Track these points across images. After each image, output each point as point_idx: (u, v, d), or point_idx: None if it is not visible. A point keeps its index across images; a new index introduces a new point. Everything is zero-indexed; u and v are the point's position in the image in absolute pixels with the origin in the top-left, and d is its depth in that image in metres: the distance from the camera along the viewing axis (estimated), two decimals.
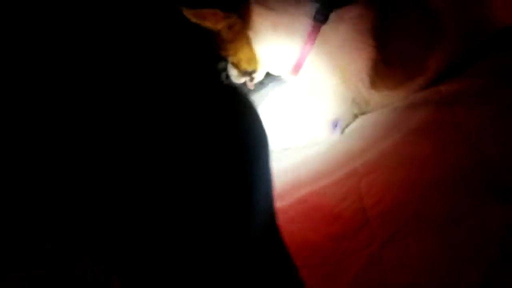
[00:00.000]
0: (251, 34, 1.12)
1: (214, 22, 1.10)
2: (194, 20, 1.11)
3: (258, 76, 1.24)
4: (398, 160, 0.88)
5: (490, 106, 0.90)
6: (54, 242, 0.49)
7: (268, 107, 1.27)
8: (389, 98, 1.09)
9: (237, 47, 1.16)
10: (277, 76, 1.26)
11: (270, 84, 1.33)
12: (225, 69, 1.27)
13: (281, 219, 0.89)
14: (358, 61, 1.05)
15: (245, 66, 1.19)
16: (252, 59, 1.16)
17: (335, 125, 1.07)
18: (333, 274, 0.77)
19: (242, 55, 1.17)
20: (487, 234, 0.67)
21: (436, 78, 1.08)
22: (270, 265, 0.43)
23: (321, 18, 1.06)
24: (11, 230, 0.47)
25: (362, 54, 1.05)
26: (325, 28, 1.07)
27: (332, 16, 1.07)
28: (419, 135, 0.91)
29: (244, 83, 1.25)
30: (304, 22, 1.07)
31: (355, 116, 1.13)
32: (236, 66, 1.21)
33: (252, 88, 1.26)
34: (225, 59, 1.22)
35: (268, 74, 1.25)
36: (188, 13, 1.10)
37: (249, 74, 1.23)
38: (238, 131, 0.37)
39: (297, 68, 1.11)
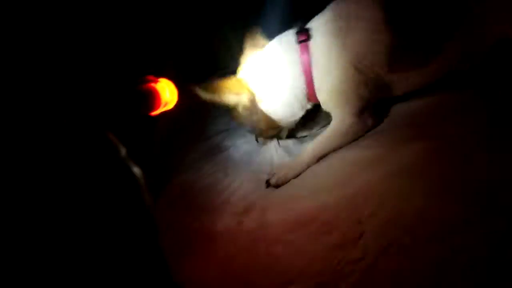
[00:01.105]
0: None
1: (238, 90, 1.12)
2: (208, 96, 1.09)
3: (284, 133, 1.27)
4: (395, 170, 0.88)
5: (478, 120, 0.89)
6: None
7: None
8: (408, 82, 1.04)
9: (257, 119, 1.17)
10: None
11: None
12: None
13: (279, 230, 0.93)
14: (365, 45, 1.02)
15: (271, 132, 1.23)
16: (273, 123, 1.18)
17: (362, 111, 1.06)
18: (329, 284, 0.79)
19: (263, 125, 1.19)
20: (472, 254, 0.67)
21: (451, 70, 1.02)
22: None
23: (303, 38, 1.08)
24: None
25: (365, 38, 1.01)
26: (312, 41, 1.08)
27: (314, 26, 1.09)
28: (414, 145, 0.90)
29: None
30: (292, 52, 1.09)
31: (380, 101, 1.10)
32: (260, 133, 1.25)
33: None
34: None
35: None
36: (203, 88, 1.08)
37: (276, 135, 1.26)
38: None
39: (312, 91, 1.11)
